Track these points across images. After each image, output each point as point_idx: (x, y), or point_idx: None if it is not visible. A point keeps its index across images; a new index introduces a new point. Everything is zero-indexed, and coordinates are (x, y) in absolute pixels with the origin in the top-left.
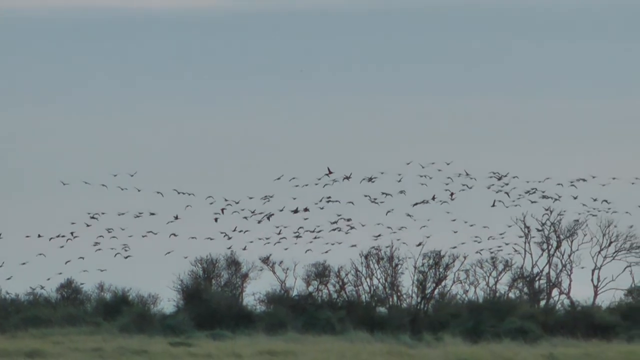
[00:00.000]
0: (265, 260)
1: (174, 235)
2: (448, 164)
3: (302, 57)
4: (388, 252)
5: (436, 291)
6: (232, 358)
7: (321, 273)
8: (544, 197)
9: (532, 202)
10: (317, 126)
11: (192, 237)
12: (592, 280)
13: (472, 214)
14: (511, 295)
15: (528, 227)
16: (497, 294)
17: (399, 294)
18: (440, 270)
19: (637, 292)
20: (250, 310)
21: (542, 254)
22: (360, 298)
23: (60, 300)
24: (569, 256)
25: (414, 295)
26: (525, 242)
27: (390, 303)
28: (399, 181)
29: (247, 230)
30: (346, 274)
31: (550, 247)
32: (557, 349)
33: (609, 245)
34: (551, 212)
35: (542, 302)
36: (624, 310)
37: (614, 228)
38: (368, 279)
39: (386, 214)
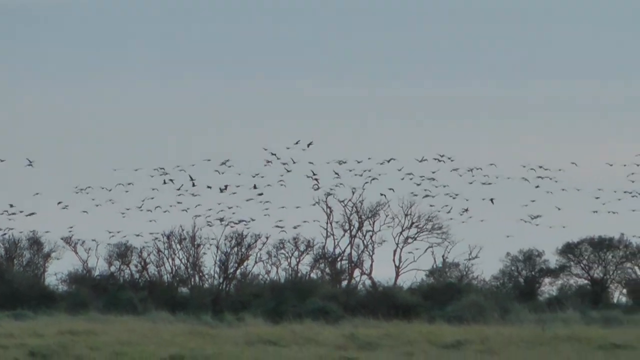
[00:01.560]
0: (68, 240)
1: None
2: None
3: None
4: (190, 232)
5: (238, 271)
6: (33, 338)
7: (123, 253)
8: (356, 175)
9: (337, 179)
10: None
11: None
12: (393, 261)
13: (279, 195)
14: (313, 275)
15: (330, 208)
16: (299, 275)
17: (201, 274)
18: (243, 250)
19: (439, 273)
20: (52, 290)
21: (344, 235)
22: (162, 278)
23: None
24: (371, 237)
25: (216, 275)
26: (327, 223)
27: (192, 283)
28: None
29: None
30: (148, 255)
31: (352, 227)
32: (358, 330)
33: (411, 226)
34: (354, 192)
35: (344, 283)
36: (425, 291)
37: (416, 209)
38: (170, 260)
39: (193, 196)
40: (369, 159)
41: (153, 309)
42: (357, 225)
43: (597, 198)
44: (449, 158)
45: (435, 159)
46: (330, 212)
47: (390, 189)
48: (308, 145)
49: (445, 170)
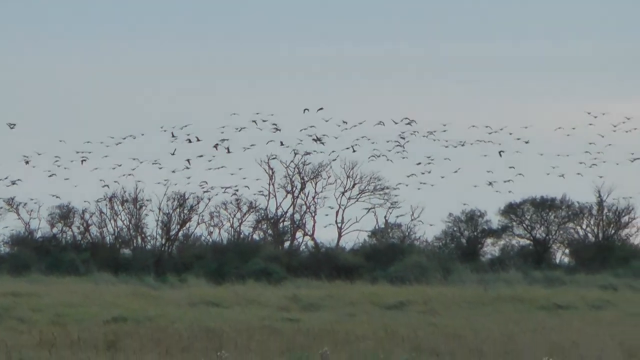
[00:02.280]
0: (9, 201)
1: None
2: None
3: None
4: (132, 193)
5: (180, 233)
6: None
7: (65, 215)
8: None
9: (281, 144)
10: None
11: None
12: (336, 222)
13: (225, 157)
14: (255, 236)
15: (272, 169)
16: (242, 236)
17: (143, 235)
18: (185, 211)
19: (381, 234)
20: None
21: (286, 196)
22: (104, 240)
23: None
24: (313, 198)
25: (158, 237)
26: (269, 184)
27: (135, 245)
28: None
29: None
30: (90, 216)
31: (294, 189)
32: (300, 291)
33: (353, 187)
34: (296, 154)
35: (287, 244)
36: (368, 252)
37: (358, 170)
38: (112, 221)
39: (133, 160)
40: (327, 120)
41: (95, 270)
42: (299, 186)
43: (543, 157)
44: (409, 122)
45: (395, 122)
46: (273, 173)
47: (333, 151)
48: (317, 111)
49: (398, 133)
